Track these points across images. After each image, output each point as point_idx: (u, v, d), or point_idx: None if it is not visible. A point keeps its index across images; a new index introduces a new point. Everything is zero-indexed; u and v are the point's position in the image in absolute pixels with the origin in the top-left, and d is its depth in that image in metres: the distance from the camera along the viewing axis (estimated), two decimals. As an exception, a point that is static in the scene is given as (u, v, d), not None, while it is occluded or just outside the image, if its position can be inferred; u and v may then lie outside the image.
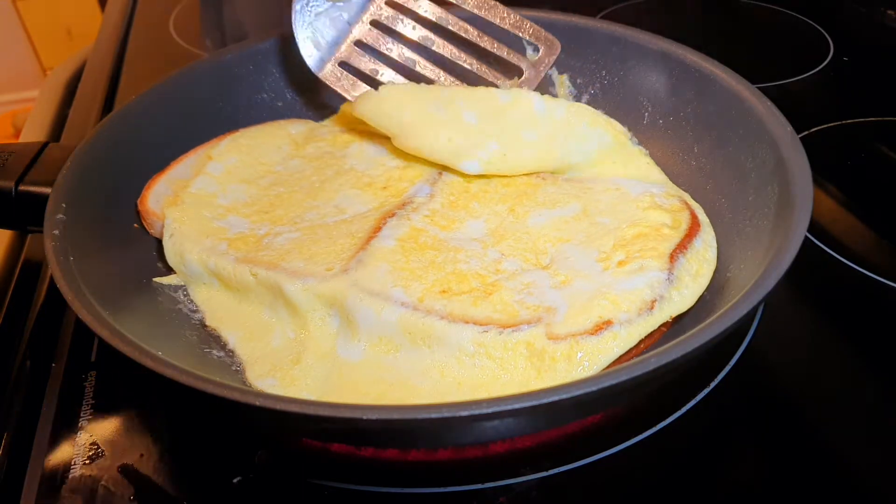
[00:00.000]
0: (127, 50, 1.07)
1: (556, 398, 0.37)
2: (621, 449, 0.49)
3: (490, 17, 0.66)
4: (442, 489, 0.48)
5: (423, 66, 0.67)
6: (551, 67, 0.67)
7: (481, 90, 0.62)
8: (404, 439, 0.47)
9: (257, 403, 0.38)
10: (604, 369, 0.47)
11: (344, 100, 0.68)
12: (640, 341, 0.48)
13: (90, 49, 1.11)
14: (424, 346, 0.50)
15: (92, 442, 0.51)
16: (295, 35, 0.65)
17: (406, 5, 0.67)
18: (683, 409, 0.51)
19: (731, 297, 0.44)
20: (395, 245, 0.56)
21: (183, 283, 0.59)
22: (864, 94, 0.87)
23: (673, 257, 0.52)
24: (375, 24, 0.68)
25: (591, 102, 0.71)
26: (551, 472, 0.48)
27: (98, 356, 0.58)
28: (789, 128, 0.54)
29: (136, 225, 0.61)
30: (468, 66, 0.67)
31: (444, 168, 0.64)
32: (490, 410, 0.37)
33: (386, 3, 0.68)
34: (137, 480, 0.49)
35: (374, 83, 0.66)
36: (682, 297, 0.50)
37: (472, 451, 0.50)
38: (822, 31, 1.00)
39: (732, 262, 0.53)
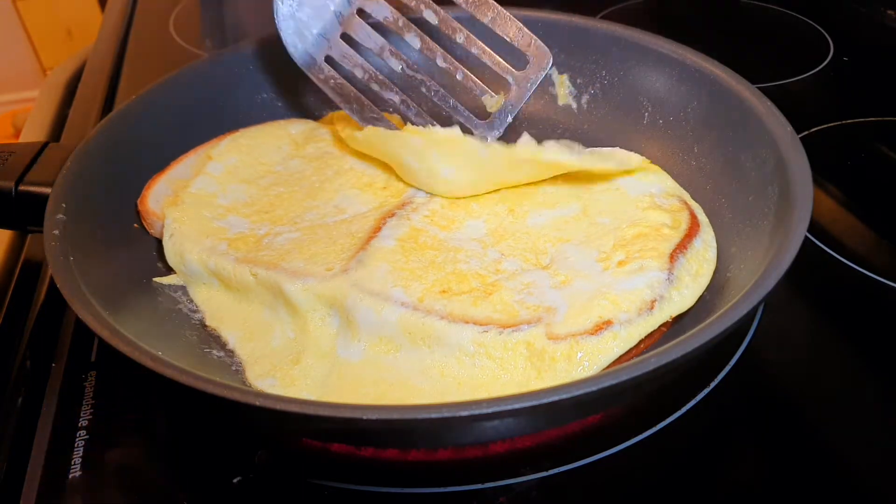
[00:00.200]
0: (127, 50, 1.07)
1: (556, 398, 0.37)
2: (621, 449, 0.49)
3: (479, 16, 0.62)
4: (442, 489, 0.48)
5: (411, 71, 0.63)
6: (540, 83, 0.62)
7: (457, 141, 0.57)
8: (404, 439, 0.47)
9: (257, 403, 0.38)
10: (604, 369, 0.47)
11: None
12: (640, 341, 0.48)
13: (90, 49, 1.11)
14: (424, 346, 0.50)
15: (92, 442, 0.51)
16: (277, 25, 0.63)
17: None
18: (683, 409, 0.51)
19: (731, 297, 0.44)
20: (395, 245, 0.56)
21: (183, 283, 0.58)
22: (864, 94, 0.87)
23: (673, 257, 0.52)
24: (363, 15, 0.64)
25: (591, 102, 0.71)
26: (551, 472, 0.48)
27: (98, 356, 0.58)
28: (789, 128, 0.54)
29: (136, 225, 0.61)
30: (456, 75, 0.62)
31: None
32: (490, 410, 0.37)
33: None
34: (137, 481, 0.49)
35: (359, 85, 0.64)
36: (682, 297, 0.50)
37: (472, 451, 0.50)
38: (822, 31, 1.00)
39: (732, 262, 0.53)
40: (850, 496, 0.47)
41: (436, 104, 0.64)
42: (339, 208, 0.62)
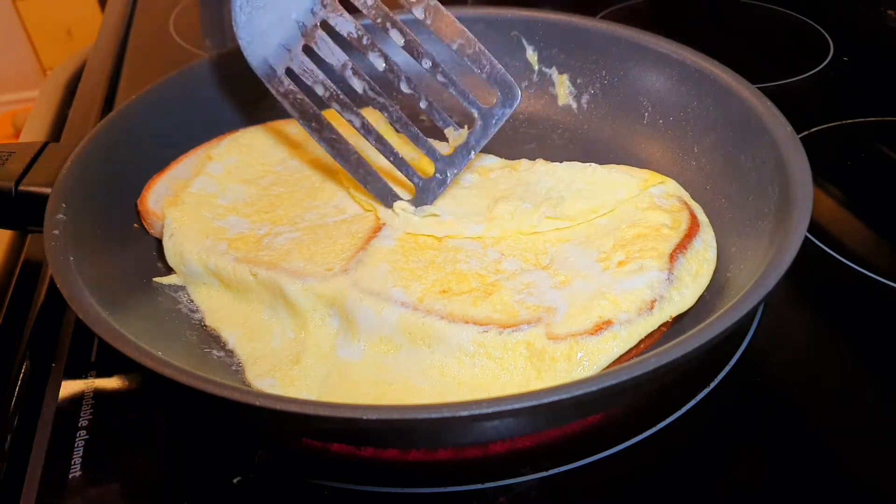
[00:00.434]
0: (127, 50, 1.07)
1: (556, 398, 0.37)
2: (621, 449, 0.49)
3: (448, 42, 0.57)
4: (442, 489, 0.48)
5: (373, 94, 0.58)
6: (506, 120, 0.57)
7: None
8: (404, 439, 0.47)
9: (257, 403, 0.38)
10: (604, 369, 0.47)
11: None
12: (640, 341, 0.48)
13: (90, 49, 1.11)
14: (424, 345, 0.50)
15: (92, 442, 0.51)
16: (235, 32, 0.59)
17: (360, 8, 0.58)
18: (683, 409, 0.51)
19: (731, 297, 0.44)
20: (395, 245, 0.56)
21: (183, 283, 0.58)
22: (864, 94, 0.87)
23: (673, 257, 0.52)
24: (327, 28, 0.59)
25: (591, 102, 0.71)
26: (551, 472, 0.48)
27: (98, 356, 0.58)
28: (789, 128, 0.54)
29: (136, 225, 0.61)
30: (420, 104, 0.58)
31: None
32: (490, 410, 0.37)
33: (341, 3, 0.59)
34: (137, 481, 0.49)
35: (320, 102, 0.59)
36: (682, 297, 0.50)
37: (472, 451, 0.50)
38: (822, 31, 1.00)
39: (732, 262, 0.53)
40: (850, 496, 0.47)
41: (397, 131, 0.60)
42: (339, 208, 0.62)
